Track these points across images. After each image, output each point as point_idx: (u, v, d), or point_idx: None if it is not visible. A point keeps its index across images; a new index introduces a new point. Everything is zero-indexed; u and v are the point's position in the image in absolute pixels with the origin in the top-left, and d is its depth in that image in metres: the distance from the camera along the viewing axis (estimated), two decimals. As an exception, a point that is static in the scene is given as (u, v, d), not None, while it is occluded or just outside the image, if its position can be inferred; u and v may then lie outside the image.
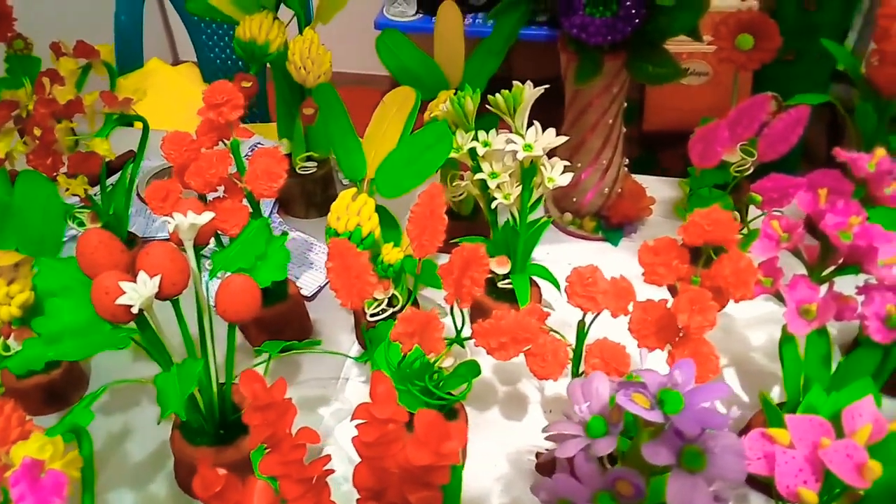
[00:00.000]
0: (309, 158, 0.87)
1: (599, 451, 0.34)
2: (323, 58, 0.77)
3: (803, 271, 0.54)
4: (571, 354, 0.54)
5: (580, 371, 0.54)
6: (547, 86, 0.66)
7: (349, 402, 0.70)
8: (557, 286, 0.75)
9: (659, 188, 0.94)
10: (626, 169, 0.88)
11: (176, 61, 2.86)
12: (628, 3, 0.64)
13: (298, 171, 0.87)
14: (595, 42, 0.65)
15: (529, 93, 0.64)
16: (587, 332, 0.53)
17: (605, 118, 0.80)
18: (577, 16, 0.64)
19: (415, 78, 0.76)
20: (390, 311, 0.69)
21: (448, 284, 0.50)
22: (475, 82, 0.75)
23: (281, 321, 0.71)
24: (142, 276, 0.47)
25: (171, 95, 1.46)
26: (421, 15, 2.15)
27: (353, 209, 0.60)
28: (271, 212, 0.91)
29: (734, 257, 0.48)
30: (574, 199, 0.87)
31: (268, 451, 0.38)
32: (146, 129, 0.74)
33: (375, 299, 0.68)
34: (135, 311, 0.46)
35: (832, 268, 0.52)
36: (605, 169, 0.84)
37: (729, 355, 0.74)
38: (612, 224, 0.87)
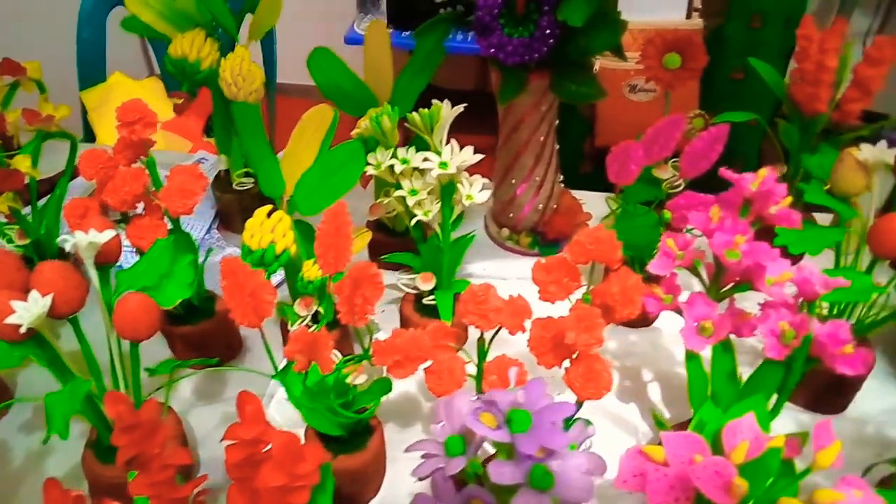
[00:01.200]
0: (247, 174, 0.88)
1: (450, 471, 0.34)
2: (254, 75, 0.77)
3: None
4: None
5: (482, 388, 0.54)
6: (464, 105, 0.67)
7: (274, 419, 0.70)
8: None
9: (598, 203, 0.94)
10: (561, 185, 0.89)
11: (152, 74, 2.86)
12: (544, 23, 0.65)
13: (236, 187, 0.87)
14: (512, 62, 0.66)
15: (447, 111, 0.65)
16: (488, 349, 0.54)
17: (537, 135, 0.80)
18: (495, 35, 0.65)
19: (345, 95, 0.77)
20: (314, 327, 0.69)
21: (341, 303, 0.51)
22: (403, 100, 0.76)
23: (206, 338, 0.71)
24: (33, 294, 0.47)
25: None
26: (392, 30, 2.16)
27: (267, 226, 0.61)
28: (210, 228, 0.91)
29: (622, 275, 0.48)
30: (511, 215, 0.88)
31: (136, 471, 0.38)
32: (74, 146, 0.74)
33: (299, 316, 0.69)
34: (23, 330, 0.46)
35: (729, 285, 0.53)
36: (538, 185, 0.84)
37: (655, 370, 0.75)
38: (548, 240, 0.88)
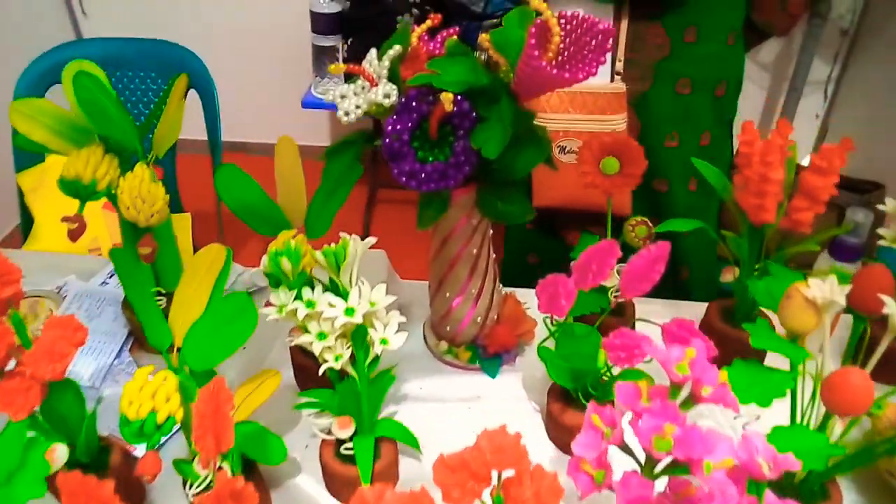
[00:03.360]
0: (157, 293, 0.80)
1: None
2: (155, 196, 0.71)
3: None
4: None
5: None
6: (373, 239, 0.61)
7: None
8: (415, 444, 0.69)
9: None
10: (503, 292, 0.83)
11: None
12: (459, 148, 0.59)
13: (145, 309, 0.79)
14: (426, 189, 0.60)
15: (354, 247, 0.59)
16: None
17: (469, 248, 0.74)
18: (406, 161, 0.59)
19: (255, 215, 0.71)
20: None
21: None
22: (318, 223, 0.70)
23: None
24: None
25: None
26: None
27: (147, 391, 0.53)
28: (121, 349, 0.83)
29: (537, 476, 0.42)
30: (448, 328, 0.81)
31: None
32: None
33: (200, 475, 0.61)
34: None
35: (663, 464, 0.46)
36: (475, 297, 0.78)
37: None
38: (489, 353, 0.81)
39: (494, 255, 0.79)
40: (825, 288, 0.54)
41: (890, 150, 2.09)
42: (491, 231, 0.76)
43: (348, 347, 0.60)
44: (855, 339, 0.57)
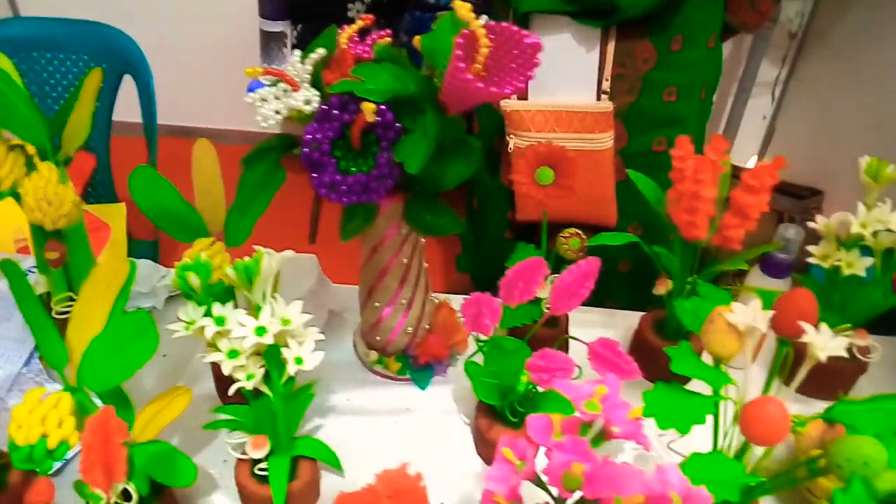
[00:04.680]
0: (70, 298, 0.76)
1: None
2: (63, 198, 0.66)
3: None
4: None
5: None
6: (291, 252, 0.58)
7: None
8: (336, 464, 0.66)
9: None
10: (435, 302, 0.81)
11: None
12: (383, 160, 0.56)
13: (55, 316, 0.75)
14: (348, 202, 0.58)
15: (269, 261, 0.56)
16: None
17: (399, 258, 0.72)
18: (327, 173, 0.56)
19: (172, 220, 0.67)
20: (123, 508, 0.58)
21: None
22: (238, 230, 0.67)
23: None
24: None
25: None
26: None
27: (37, 416, 0.50)
28: (30, 357, 0.78)
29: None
30: (378, 338, 0.79)
31: None
32: None
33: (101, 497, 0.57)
34: None
35: (575, 498, 0.45)
36: (406, 307, 0.76)
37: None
38: (419, 364, 0.79)
39: (427, 265, 0.77)
40: (748, 313, 0.53)
41: (833, 152, 2.14)
42: (423, 241, 0.74)
43: (261, 366, 0.57)
44: (779, 361, 0.57)
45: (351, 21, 0.63)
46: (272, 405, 0.59)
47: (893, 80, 1.94)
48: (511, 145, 0.94)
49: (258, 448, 0.61)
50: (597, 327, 0.87)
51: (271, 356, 0.56)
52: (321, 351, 0.57)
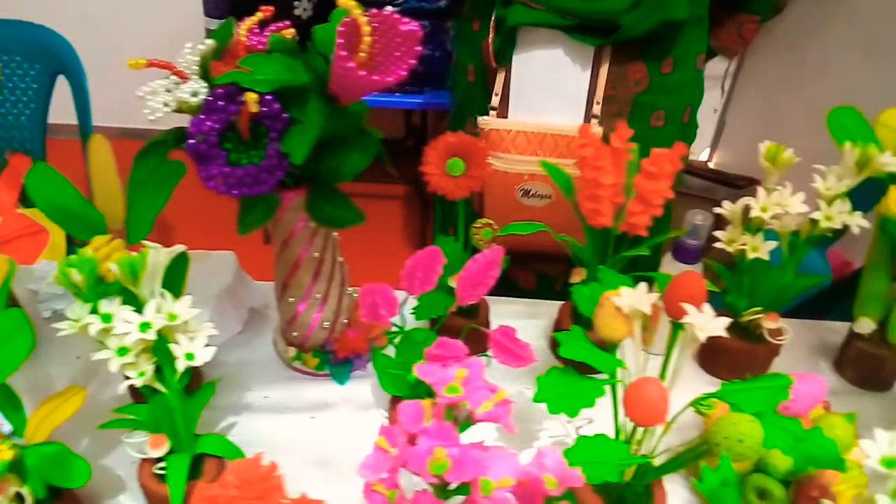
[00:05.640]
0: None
1: None
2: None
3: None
4: None
5: None
6: (182, 247, 0.57)
7: None
8: (238, 454, 0.66)
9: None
10: (353, 296, 0.80)
11: None
12: (272, 151, 0.56)
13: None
14: (238, 195, 0.57)
15: (156, 257, 0.55)
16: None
17: (311, 251, 0.71)
18: (214, 164, 0.56)
19: (72, 219, 0.66)
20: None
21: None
22: (138, 229, 0.66)
23: None
24: None
25: None
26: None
27: None
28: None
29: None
30: (295, 333, 0.78)
31: None
32: None
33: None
34: None
35: (455, 484, 0.45)
36: (321, 302, 0.75)
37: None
38: (339, 359, 0.79)
39: (342, 259, 0.76)
40: (633, 296, 0.54)
41: (778, 143, 2.18)
42: (336, 234, 0.73)
43: (153, 363, 0.56)
44: (673, 343, 0.58)
45: (297, 18, 0.62)
46: (169, 402, 0.58)
47: (834, 71, 1.98)
48: (489, 168, 0.89)
49: (156, 447, 0.60)
50: (521, 318, 0.87)
51: (161, 352, 0.55)
52: (213, 347, 0.56)
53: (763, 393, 0.52)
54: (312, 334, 0.78)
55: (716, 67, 2.46)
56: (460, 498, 0.46)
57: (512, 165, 0.90)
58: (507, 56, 0.88)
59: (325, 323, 0.77)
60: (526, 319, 0.88)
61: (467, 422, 0.43)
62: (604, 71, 0.86)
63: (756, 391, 0.52)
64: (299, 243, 0.71)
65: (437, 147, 0.73)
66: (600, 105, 0.87)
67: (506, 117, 0.90)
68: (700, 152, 2.61)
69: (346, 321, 0.79)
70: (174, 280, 0.67)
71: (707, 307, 0.53)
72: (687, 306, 0.52)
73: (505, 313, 0.85)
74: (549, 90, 0.88)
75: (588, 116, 0.89)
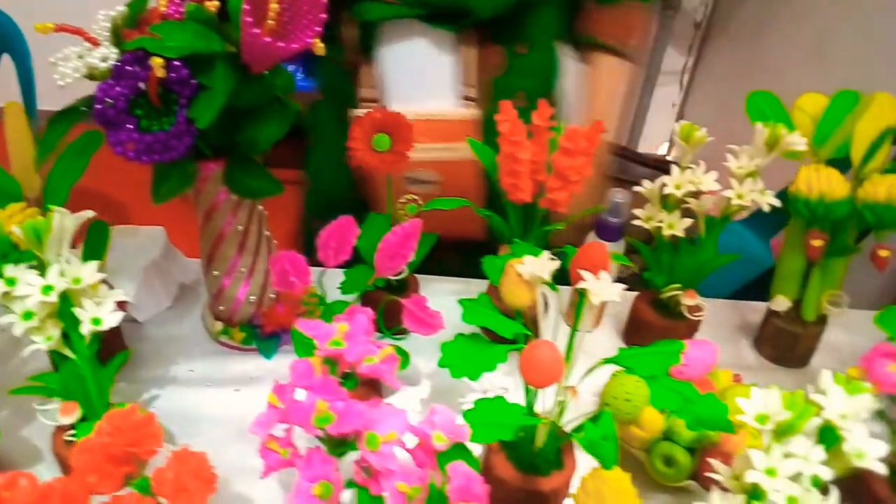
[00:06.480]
0: None
1: None
2: None
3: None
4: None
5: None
6: (90, 212, 0.57)
7: None
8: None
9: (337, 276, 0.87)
10: (282, 271, 0.81)
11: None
12: (181, 118, 0.56)
13: None
14: (148, 161, 0.57)
15: (60, 220, 0.55)
16: None
17: (234, 224, 0.72)
18: (122, 130, 0.56)
19: (-15, 186, 0.65)
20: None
21: None
22: (55, 197, 0.65)
23: None
24: None
25: None
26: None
27: None
28: None
29: (182, 457, 0.40)
30: (222, 308, 0.78)
31: None
32: None
33: None
34: None
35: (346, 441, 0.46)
36: (247, 276, 0.75)
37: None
38: (266, 333, 0.79)
39: (269, 233, 0.77)
40: (535, 265, 0.55)
41: (734, 137, 2.23)
42: (261, 207, 0.74)
43: (61, 329, 0.56)
44: (579, 310, 0.59)
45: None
46: (79, 369, 0.58)
47: (788, 65, 2.03)
48: None
49: (67, 414, 0.60)
50: (454, 295, 0.88)
51: (67, 317, 0.55)
52: (120, 312, 0.56)
53: (656, 357, 0.54)
54: (239, 308, 0.78)
55: (674, 63, 2.50)
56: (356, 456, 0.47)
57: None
58: (372, 50, 0.88)
59: (252, 297, 0.77)
60: (455, 295, 0.89)
61: (352, 377, 0.44)
62: (471, 54, 0.87)
63: (649, 356, 0.54)
64: (222, 216, 0.71)
65: (363, 123, 0.74)
66: (475, 88, 0.88)
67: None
68: (659, 146, 2.66)
69: (273, 296, 0.80)
70: (94, 250, 0.67)
71: (604, 274, 0.54)
72: (584, 272, 0.53)
73: (439, 292, 0.86)
74: (417, 79, 0.88)
75: (461, 100, 0.89)
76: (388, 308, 0.71)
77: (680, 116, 2.65)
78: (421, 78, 0.89)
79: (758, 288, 1.15)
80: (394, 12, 0.83)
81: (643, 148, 2.51)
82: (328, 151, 0.99)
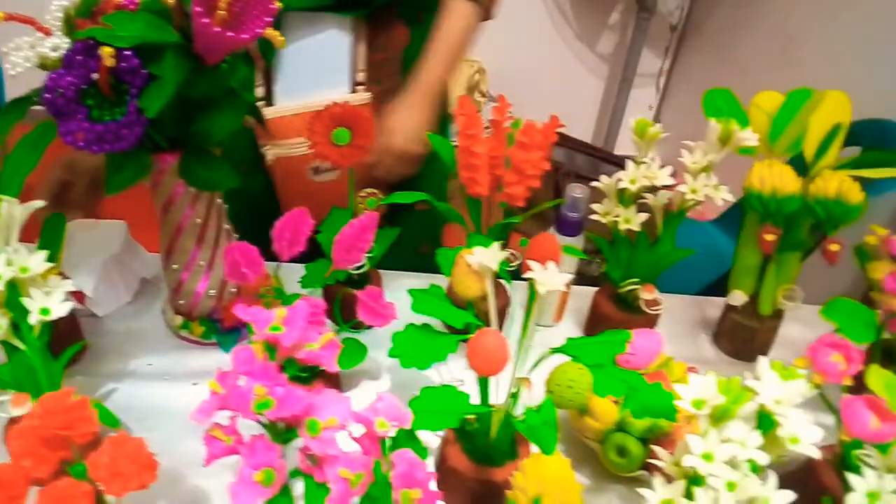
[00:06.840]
0: None
1: None
2: None
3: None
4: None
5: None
6: (40, 203, 0.57)
7: None
8: (114, 423, 0.66)
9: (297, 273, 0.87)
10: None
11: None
12: (132, 108, 0.56)
13: None
14: (98, 151, 0.57)
15: (9, 210, 0.55)
16: None
17: (193, 218, 0.72)
18: (73, 120, 0.56)
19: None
20: None
21: None
22: (9, 187, 0.65)
23: None
24: None
25: None
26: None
27: None
28: None
29: (118, 442, 0.40)
30: (182, 302, 0.78)
31: None
32: None
33: None
34: None
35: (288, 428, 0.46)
36: (205, 270, 0.75)
37: None
38: (225, 328, 0.79)
39: (229, 226, 0.77)
40: (484, 255, 0.56)
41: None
42: (220, 200, 0.74)
43: (9, 319, 0.56)
44: (531, 301, 0.60)
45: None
46: (29, 360, 0.58)
47: (761, 67, 2.06)
48: (269, 157, 0.90)
49: (18, 405, 0.59)
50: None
51: (15, 307, 0.55)
52: (70, 302, 0.56)
53: (602, 346, 0.54)
54: (199, 302, 0.78)
55: (651, 66, 2.52)
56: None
57: (295, 149, 0.89)
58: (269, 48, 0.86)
59: (212, 291, 0.77)
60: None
61: (292, 363, 0.44)
62: (363, 37, 0.88)
63: (596, 345, 0.55)
64: (180, 208, 0.71)
65: (323, 117, 0.74)
66: (364, 73, 0.88)
67: (271, 105, 0.89)
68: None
69: (234, 290, 0.80)
70: (50, 241, 0.67)
71: (552, 265, 0.55)
72: (531, 263, 0.54)
73: (402, 286, 0.86)
74: (312, 69, 0.88)
75: (352, 86, 0.90)
76: (346, 301, 0.71)
77: (657, 119, 2.68)
78: (316, 68, 0.88)
79: (725, 285, 1.17)
80: (297, 3, 0.81)
81: (620, 150, 2.53)
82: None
